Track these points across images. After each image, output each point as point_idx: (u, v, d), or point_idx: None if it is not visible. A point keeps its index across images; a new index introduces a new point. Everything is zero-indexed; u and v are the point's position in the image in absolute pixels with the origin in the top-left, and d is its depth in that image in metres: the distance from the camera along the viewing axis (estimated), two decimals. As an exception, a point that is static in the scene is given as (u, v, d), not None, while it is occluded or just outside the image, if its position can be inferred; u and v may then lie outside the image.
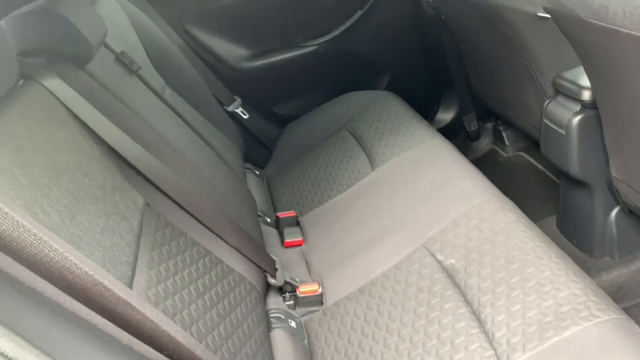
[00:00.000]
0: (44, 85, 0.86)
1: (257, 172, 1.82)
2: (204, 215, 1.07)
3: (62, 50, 0.96)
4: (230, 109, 1.85)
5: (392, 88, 2.00)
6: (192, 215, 1.05)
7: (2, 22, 0.88)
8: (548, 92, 1.42)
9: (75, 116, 0.89)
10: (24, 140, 0.72)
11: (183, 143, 1.27)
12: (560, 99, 1.35)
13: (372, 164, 1.54)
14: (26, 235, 0.53)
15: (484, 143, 2.19)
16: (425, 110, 2.10)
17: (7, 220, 0.52)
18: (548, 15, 1.29)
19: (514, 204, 1.18)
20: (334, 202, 1.51)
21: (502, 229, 1.10)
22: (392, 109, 1.74)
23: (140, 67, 1.27)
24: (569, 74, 1.33)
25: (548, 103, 1.37)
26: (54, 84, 0.88)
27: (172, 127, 1.31)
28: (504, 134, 2.09)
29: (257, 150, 1.96)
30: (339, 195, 1.52)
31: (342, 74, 2.05)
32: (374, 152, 1.58)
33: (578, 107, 1.29)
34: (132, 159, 0.97)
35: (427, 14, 1.96)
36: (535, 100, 1.49)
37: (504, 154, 2.11)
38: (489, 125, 2.17)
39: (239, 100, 1.88)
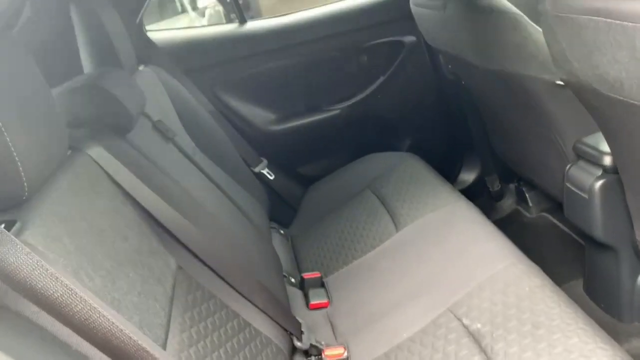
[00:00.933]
0: (89, 155, 0.92)
1: (281, 232, 1.86)
2: (233, 277, 1.10)
3: (106, 121, 1.03)
4: (256, 169, 1.91)
5: (414, 150, 2.06)
6: (221, 277, 1.08)
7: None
8: (569, 157, 1.44)
9: (116, 183, 0.94)
10: (71, 208, 0.77)
11: (213, 205, 1.32)
12: (581, 163, 1.37)
13: (397, 225, 1.56)
14: (76, 301, 0.57)
15: (507, 203, 2.21)
16: (448, 171, 2.13)
17: (59, 287, 0.56)
18: (566, 83, 1.34)
19: (539, 269, 1.19)
20: (359, 263, 1.52)
21: (528, 294, 1.11)
22: (416, 170, 1.78)
23: (175, 135, 1.34)
24: (589, 139, 1.36)
25: (570, 167, 1.40)
26: (98, 153, 0.94)
27: (203, 189, 1.36)
28: (527, 195, 2.11)
29: (282, 209, 2.00)
30: (364, 256, 1.54)
31: (365, 137, 2.12)
32: (397, 213, 1.61)
33: (600, 172, 1.31)
34: (167, 223, 1.01)
35: (447, 79, 2.04)
36: (557, 164, 1.52)
37: (528, 215, 2.12)
38: (512, 186, 2.19)
39: (265, 162, 1.95)
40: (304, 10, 2.02)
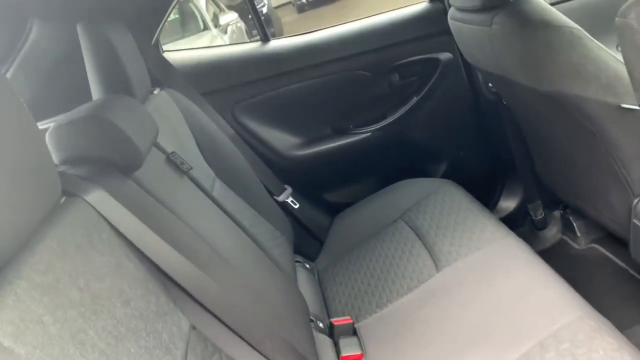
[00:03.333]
0: (87, 202, 0.78)
1: (307, 266, 1.71)
2: (255, 336, 0.95)
3: (110, 158, 0.90)
4: (280, 198, 1.77)
5: (449, 175, 1.90)
6: (241, 337, 0.94)
7: (47, 129, 0.82)
8: (635, 190, 1.27)
9: (119, 234, 0.81)
10: (60, 273, 0.63)
11: (233, 248, 1.18)
12: (653, 197, 1.20)
13: (437, 264, 1.40)
14: None
15: (552, 233, 2.02)
16: (487, 198, 1.97)
17: None
18: (634, 107, 1.18)
19: (612, 325, 1.02)
20: (395, 307, 1.36)
21: (602, 358, 0.94)
22: (455, 199, 1.62)
23: (191, 167, 1.21)
24: (662, 170, 1.19)
25: (638, 202, 1.22)
26: (98, 198, 0.80)
27: (221, 230, 1.22)
28: (574, 224, 1.92)
29: (307, 240, 1.85)
30: (400, 299, 1.38)
31: (397, 161, 1.96)
32: (437, 249, 1.45)
33: (677, 209, 1.13)
34: (179, 278, 0.87)
35: (486, 98, 1.88)
36: (618, 196, 1.34)
37: (576, 246, 1.93)
38: (557, 213, 2.01)
39: (289, 190, 1.80)
40: (331, 26, 1.89)
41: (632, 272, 1.69)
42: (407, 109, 1.88)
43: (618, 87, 1.19)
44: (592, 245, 1.89)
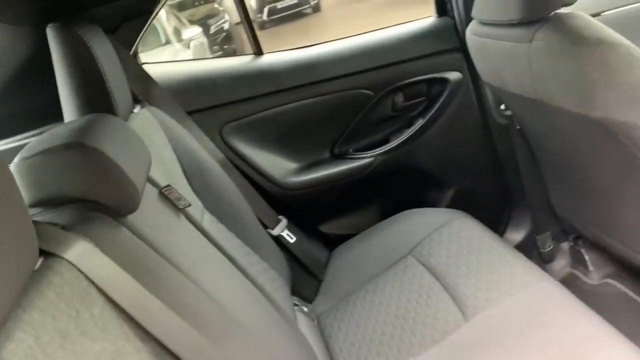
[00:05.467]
0: (71, 263, 0.57)
1: (305, 309, 1.50)
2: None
3: (99, 199, 0.68)
4: (275, 232, 1.56)
5: (456, 204, 1.74)
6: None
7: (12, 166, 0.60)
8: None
9: (113, 304, 0.59)
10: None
11: (239, 302, 0.96)
12: None
13: (463, 311, 1.23)
14: None
15: (560, 266, 1.89)
16: (493, 229, 1.82)
17: None
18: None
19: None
20: (419, 364, 1.17)
21: None
22: (473, 234, 1.45)
23: (189, 204, 0.99)
24: None
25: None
26: (86, 256, 0.59)
27: (225, 279, 1.01)
28: (586, 257, 1.79)
29: (303, 279, 1.64)
30: (424, 353, 1.19)
31: (400, 189, 1.79)
32: (460, 293, 1.27)
33: None
34: (186, 355, 0.66)
35: (497, 122, 1.74)
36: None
37: (588, 281, 1.79)
38: (565, 246, 1.88)
39: (284, 221, 1.60)
40: (331, 40, 1.71)
41: (656, 311, 1.56)
42: (412, 132, 1.72)
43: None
44: (606, 280, 1.76)
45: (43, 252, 0.56)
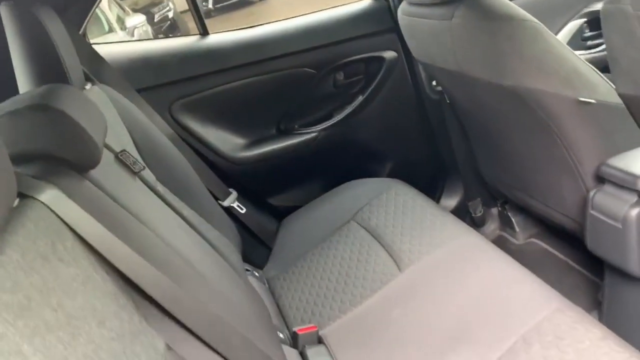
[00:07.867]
0: (44, 204, 0.65)
1: (256, 274, 1.60)
2: (233, 352, 0.85)
3: (63, 155, 0.76)
4: (225, 203, 1.65)
5: (395, 174, 1.88)
6: (219, 353, 0.83)
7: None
8: (587, 182, 1.31)
9: (83, 241, 0.68)
10: (30, 291, 0.51)
11: (197, 255, 1.06)
12: (609, 188, 1.23)
13: (399, 264, 1.36)
14: None
15: (490, 229, 2.06)
16: (428, 197, 1.97)
17: None
18: (591, 100, 1.21)
19: (592, 317, 1.02)
20: (360, 311, 1.30)
21: (589, 348, 0.93)
22: (408, 198, 1.59)
23: (144, 167, 1.07)
24: (616, 162, 1.22)
25: (595, 193, 1.25)
26: (57, 201, 0.67)
27: (183, 236, 1.09)
28: (513, 220, 1.97)
29: (254, 248, 1.75)
30: (365, 302, 1.32)
31: (343, 162, 1.91)
32: (397, 249, 1.41)
33: (635, 198, 1.17)
34: (150, 290, 0.75)
35: (429, 98, 1.88)
36: (570, 190, 1.38)
37: (515, 242, 1.98)
38: (494, 211, 2.05)
39: (234, 194, 1.69)
40: (274, 21, 1.81)
41: (572, 263, 1.75)
42: (352, 108, 1.84)
43: (576, 82, 1.21)
44: (531, 239, 1.95)
45: (19, 195, 0.64)
